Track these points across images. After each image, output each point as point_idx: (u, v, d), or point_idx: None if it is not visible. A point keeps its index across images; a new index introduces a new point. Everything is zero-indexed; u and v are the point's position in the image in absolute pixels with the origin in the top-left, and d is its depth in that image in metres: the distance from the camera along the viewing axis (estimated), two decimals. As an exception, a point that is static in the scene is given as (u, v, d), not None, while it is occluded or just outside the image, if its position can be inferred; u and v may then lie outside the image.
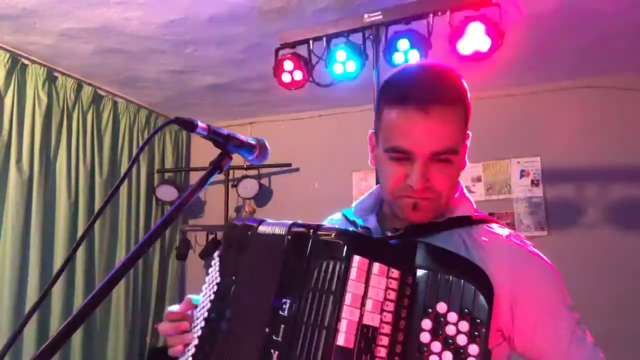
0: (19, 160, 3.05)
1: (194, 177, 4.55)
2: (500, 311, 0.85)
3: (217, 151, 0.91)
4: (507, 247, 0.94)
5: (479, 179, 3.78)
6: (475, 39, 2.27)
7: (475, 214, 1.02)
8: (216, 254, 1.02)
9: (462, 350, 0.76)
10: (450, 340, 0.77)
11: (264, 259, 0.92)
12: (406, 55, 2.40)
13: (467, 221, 0.98)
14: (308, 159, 4.10)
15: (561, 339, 0.89)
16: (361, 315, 0.76)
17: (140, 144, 3.97)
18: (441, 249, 0.85)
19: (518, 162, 3.72)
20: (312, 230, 0.84)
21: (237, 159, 0.97)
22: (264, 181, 4.23)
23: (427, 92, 0.90)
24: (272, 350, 0.79)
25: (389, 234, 0.97)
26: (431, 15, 2.34)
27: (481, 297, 0.78)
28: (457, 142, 0.93)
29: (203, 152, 4.46)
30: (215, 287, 0.98)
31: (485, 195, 3.75)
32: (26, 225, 3.05)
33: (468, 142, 1.01)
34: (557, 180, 3.61)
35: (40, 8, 2.58)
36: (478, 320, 0.77)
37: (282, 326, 0.80)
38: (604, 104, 3.53)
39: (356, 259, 0.77)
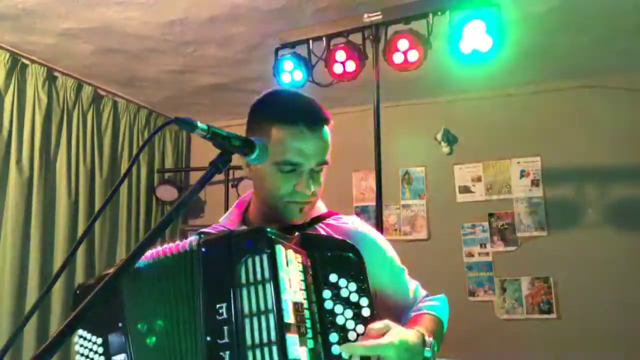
0: (19, 160, 3.05)
1: (194, 177, 4.55)
2: None
3: (217, 151, 0.91)
4: (350, 228, 1.20)
5: (479, 179, 3.78)
6: (475, 39, 2.27)
7: (326, 210, 1.26)
8: (79, 333, 1.06)
9: (357, 305, 0.96)
10: (347, 300, 0.96)
11: (160, 284, 0.98)
12: (406, 55, 2.40)
13: (324, 217, 1.23)
14: (308, 159, 4.09)
15: (398, 280, 1.23)
16: (292, 294, 0.89)
17: (140, 144, 3.97)
18: (318, 235, 1.14)
19: (518, 162, 3.72)
20: (228, 235, 0.96)
21: (237, 159, 0.97)
22: (264, 181, 4.23)
23: (314, 113, 1.13)
24: (221, 354, 0.87)
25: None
26: (431, 15, 2.34)
27: (357, 262, 0.99)
28: (329, 154, 1.15)
29: (203, 152, 4.46)
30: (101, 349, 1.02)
31: (485, 195, 3.75)
32: (26, 225, 3.05)
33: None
34: (557, 180, 3.61)
35: (40, 8, 2.58)
36: (361, 278, 0.98)
37: (225, 328, 0.88)
38: (604, 104, 3.53)
39: (278, 247, 0.90)
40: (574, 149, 3.57)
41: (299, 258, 0.96)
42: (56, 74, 3.33)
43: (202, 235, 1.16)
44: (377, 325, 0.94)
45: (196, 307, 0.92)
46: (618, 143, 3.48)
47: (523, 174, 3.70)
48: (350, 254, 1.00)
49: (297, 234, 1.03)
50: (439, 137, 3.85)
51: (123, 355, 0.99)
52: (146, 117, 4.07)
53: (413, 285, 1.26)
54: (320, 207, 1.25)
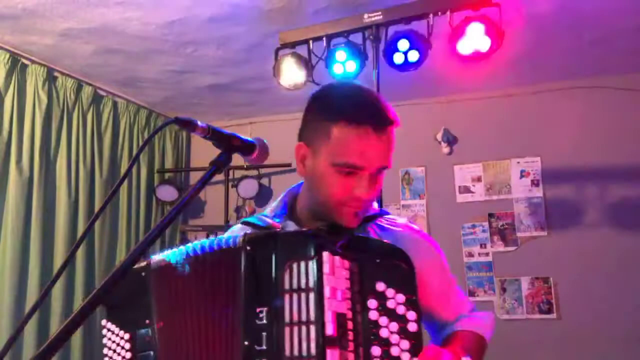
0: (19, 160, 3.05)
1: (194, 177, 4.55)
2: None
3: (217, 151, 0.91)
4: (405, 233, 1.13)
5: (479, 179, 3.78)
6: (475, 39, 2.27)
7: (378, 209, 1.20)
8: (103, 322, 1.05)
9: (403, 318, 0.89)
10: (393, 312, 0.89)
11: (199, 281, 0.96)
12: (406, 55, 2.40)
13: (376, 216, 1.15)
14: (308, 159, 4.10)
15: (449, 290, 1.18)
16: (336, 305, 0.85)
17: (140, 144, 3.97)
18: (368, 238, 1.04)
19: (518, 162, 3.72)
20: (275, 235, 0.92)
21: (237, 159, 0.97)
22: (264, 181, 4.23)
23: (382, 114, 1.02)
24: None
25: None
26: (431, 15, 2.34)
27: (407, 271, 0.92)
28: (391, 157, 1.06)
29: (203, 152, 4.46)
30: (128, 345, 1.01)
31: (485, 195, 3.75)
32: (26, 225, 3.05)
33: None
34: (557, 180, 3.61)
35: (40, 8, 2.58)
36: (410, 290, 0.91)
37: (264, 334, 0.84)
38: (604, 104, 3.53)
39: (325, 254, 0.85)
40: (574, 149, 3.57)
41: (347, 264, 0.90)
42: (56, 74, 3.33)
43: (245, 229, 1.12)
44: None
45: (236, 308, 0.88)
46: (618, 143, 3.47)
47: (523, 174, 3.69)
48: (401, 262, 0.93)
49: (345, 235, 0.97)
50: (439, 137, 3.85)
51: (150, 353, 0.98)
52: (146, 117, 4.07)
53: (461, 297, 1.22)
54: (372, 206, 1.17)
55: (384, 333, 0.88)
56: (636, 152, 3.43)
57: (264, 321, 0.85)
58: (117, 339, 1.03)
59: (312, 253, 0.85)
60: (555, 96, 3.65)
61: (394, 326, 0.89)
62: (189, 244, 1.00)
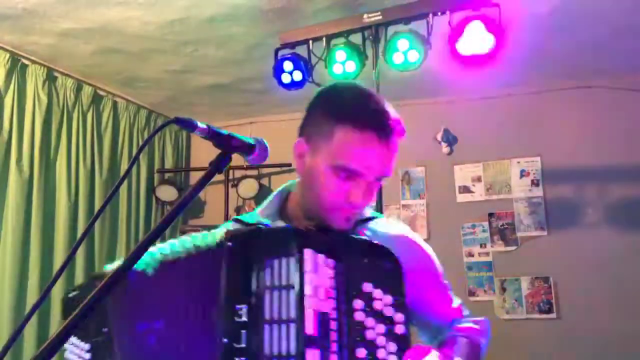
0: (19, 160, 3.05)
1: (194, 177, 4.54)
2: None
3: (217, 151, 0.91)
4: (396, 236, 1.11)
5: (479, 179, 3.78)
6: (475, 39, 2.27)
7: (370, 212, 1.16)
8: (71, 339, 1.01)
9: (391, 320, 0.87)
10: (380, 314, 0.88)
11: (178, 277, 0.93)
12: (406, 55, 2.40)
13: (368, 219, 1.12)
14: (308, 159, 4.10)
15: (443, 296, 1.15)
16: (318, 304, 0.82)
17: (140, 144, 3.97)
18: (356, 238, 1.00)
19: (518, 162, 3.72)
20: (257, 231, 0.90)
21: (237, 159, 0.96)
22: (264, 181, 4.23)
23: (388, 122, 0.98)
24: (236, 359, 0.81)
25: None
26: (431, 15, 2.34)
27: (395, 273, 0.90)
28: (392, 167, 1.02)
29: (203, 152, 4.46)
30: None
31: (485, 195, 3.75)
32: (26, 225, 3.05)
33: None
34: (557, 180, 3.61)
35: (40, 8, 2.58)
36: (398, 291, 0.89)
37: (243, 332, 0.82)
38: (604, 104, 3.53)
39: (307, 252, 0.83)
40: (574, 149, 3.57)
41: (331, 263, 0.88)
42: (56, 74, 3.33)
43: (236, 227, 1.09)
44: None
45: (215, 305, 0.86)
46: (618, 143, 3.47)
47: (523, 174, 3.69)
48: (389, 263, 0.91)
49: (333, 234, 0.96)
50: (439, 137, 3.85)
51: None
52: (146, 117, 4.07)
53: (456, 304, 1.18)
54: (365, 209, 1.13)
55: (370, 335, 0.86)
56: (636, 152, 3.43)
57: (244, 319, 0.83)
58: (78, 351, 1.01)
59: (295, 250, 0.83)
60: (555, 96, 3.65)
61: (381, 328, 0.87)
62: (164, 244, 0.98)
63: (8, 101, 3.02)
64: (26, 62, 3.13)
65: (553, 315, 3.49)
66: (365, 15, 2.43)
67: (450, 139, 3.85)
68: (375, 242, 0.97)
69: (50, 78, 3.27)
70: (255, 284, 0.84)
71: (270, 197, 1.17)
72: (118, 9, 2.60)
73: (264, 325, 0.81)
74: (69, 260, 0.84)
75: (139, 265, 0.95)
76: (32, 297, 2.99)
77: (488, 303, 3.62)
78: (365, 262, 0.90)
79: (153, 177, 4.14)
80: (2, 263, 2.91)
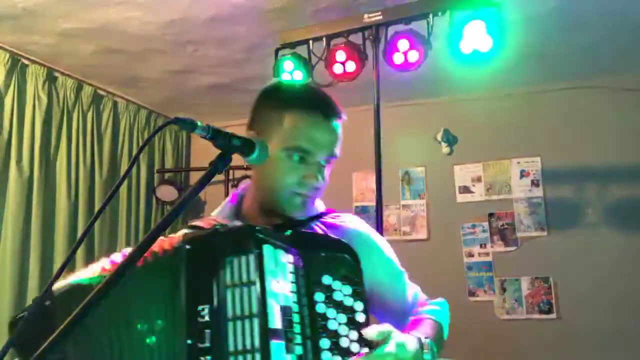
0: (19, 160, 3.05)
1: (194, 177, 4.54)
2: None
3: (217, 151, 0.91)
4: (349, 228, 1.16)
5: (479, 179, 3.78)
6: (475, 39, 2.27)
7: (325, 209, 1.22)
8: None
9: (351, 309, 0.91)
10: (340, 304, 0.92)
11: (137, 286, 0.90)
12: (406, 55, 2.40)
13: (322, 215, 1.18)
14: (308, 159, 4.11)
15: (396, 277, 1.19)
16: (280, 298, 0.85)
17: (140, 144, 3.97)
18: (313, 233, 1.09)
19: (518, 162, 3.71)
20: (214, 232, 0.91)
21: (237, 159, 0.97)
22: (264, 181, 4.23)
23: (332, 105, 1.10)
24: (201, 358, 0.82)
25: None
26: (431, 15, 2.34)
27: (352, 263, 0.95)
28: (339, 149, 1.11)
29: (203, 152, 4.45)
30: None
31: (485, 195, 3.75)
32: (26, 225, 3.05)
33: None
34: (557, 180, 3.61)
35: (40, 8, 2.58)
36: (356, 281, 0.94)
37: (207, 331, 0.83)
38: (604, 104, 3.53)
39: (266, 248, 0.86)
40: (574, 149, 3.57)
41: (290, 258, 0.91)
42: (56, 74, 3.33)
43: (191, 230, 1.10)
44: (375, 330, 0.90)
45: (177, 308, 0.86)
46: (618, 143, 3.47)
47: (523, 174, 3.69)
48: (346, 255, 0.96)
49: (290, 232, 0.99)
50: (439, 137, 3.85)
51: None
52: (146, 117, 4.07)
53: (412, 289, 1.21)
54: (319, 206, 1.21)
55: (332, 325, 0.90)
56: (636, 152, 3.43)
57: (207, 319, 0.84)
58: None
59: (253, 247, 0.85)
60: (555, 96, 3.65)
61: (342, 318, 0.90)
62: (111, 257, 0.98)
63: (8, 101, 3.02)
64: (26, 62, 3.13)
65: (553, 315, 3.49)
66: (365, 15, 2.43)
67: (450, 139, 3.84)
68: (332, 236, 1.05)
69: (51, 78, 3.27)
70: (216, 283, 0.85)
71: (223, 203, 1.22)
72: (118, 9, 2.60)
73: (228, 323, 0.82)
74: (69, 260, 0.84)
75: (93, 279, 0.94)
76: (32, 297, 2.99)
77: (488, 303, 3.62)
78: (323, 256, 0.95)
79: (153, 177, 4.14)
80: (2, 263, 2.92)
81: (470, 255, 3.72)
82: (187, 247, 0.90)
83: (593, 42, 3.02)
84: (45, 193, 3.18)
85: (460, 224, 3.76)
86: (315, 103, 1.09)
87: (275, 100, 1.12)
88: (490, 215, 3.72)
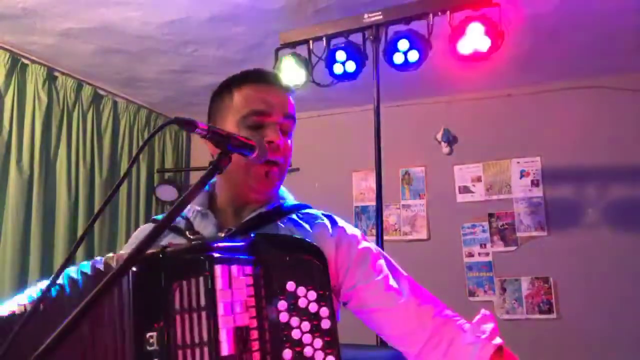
0: (19, 160, 3.05)
1: (194, 177, 4.54)
2: (331, 273, 0.96)
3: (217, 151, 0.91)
4: (325, 224, 1.10)
5: (479, 179, 3.78)
6: (475, 39, 2.27)
7: (295, 202, 1.16)
8: None
9: (316, 316, 0.86)
10: (304, 311, 0.86)
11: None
12: (406, 55, 2.40)
13: (290, 210, 1.12)
14: (308, 159, 4.09)
15: (379, 272, 1.07)
16: (234, 320, 0.80)
17: (140, 144, 3.97)
18: (276, 235, 1.00)
19: (518, 162, 3.71)
20: (162, 252, 0.83)
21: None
22: (264, 181, 4.23)
23: (280, 79, 1.12)
24: None
25: (222, 235, 1.01)
26: (431, 15, 2.34)
27: (319, 267, 0.89)
28: (294, 112, 1.10)
29: (203, 152, 4.45)
30: None
31: (485, 195, 3.75)
32: (26, 225, 3.05)
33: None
34: (557, 180, 3.61)
35: (40, 8, 2.58)
36: (321, 286, 0.88)
37: None
38: (604, 104, 3.53)
39: (217, 268, 0.79)
40: (574, 149, 3.57)
41: (248, 270, 0.85)
42: (56, 74, 3.33)
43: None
44: None
45: (124, 335, 0.82)
46: (618, 143, 3.47)
47: (523, 174, 3.69)
48: (312, 257, 0.89)
49: (252, 235, 0.92)
50: (439, 137, 3.85)
51: None
52: (146, 117, 4.07)
53: (404, 282, 1.09)
54: (288, 198, 1.16)
55: (296, 334, 0.85)
56: (636, 152, 3.43)
57: (155, 347, 0.79)
58: None
59: (203, 269, 0.79)
60: (555, 96, 3.65)
61: (306, 326, 0.86)
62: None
63: (8, 101, 3.02)
64: (26, 62, 3.13)
65: (553, 315, 3.49)
66: (365, 15, 2.43)
67: (450, 139, 3.85)
68: (296, 236, 0.98)
69: (51, 78, 3.27)
70: (164, 308, 0.80)
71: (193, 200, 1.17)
72: (118, 9, 2.60)
73: (177, 352, 0.78)
74: (69, 260, 0.84)
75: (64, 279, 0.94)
76: (32, 297, 2.99)
77: (488, 303, 3.62)
78: (287, 260, 0.89)
79: (153, 177, 4.15)
80: (2, 263, 2.91)
81: (470, 255, 3.72)
82: (134, 268, 0.83)
83: (593, 42, 3.01)
84: (45, 193, 3.18)
85: (460, 224, 3.76)
86: (262, 75, 1.11)
87: (224, 86, 1.15)
88: (490, 215, 3.72)
